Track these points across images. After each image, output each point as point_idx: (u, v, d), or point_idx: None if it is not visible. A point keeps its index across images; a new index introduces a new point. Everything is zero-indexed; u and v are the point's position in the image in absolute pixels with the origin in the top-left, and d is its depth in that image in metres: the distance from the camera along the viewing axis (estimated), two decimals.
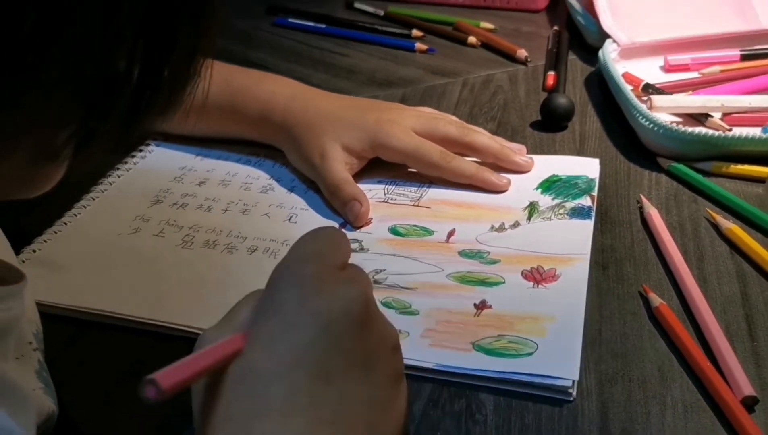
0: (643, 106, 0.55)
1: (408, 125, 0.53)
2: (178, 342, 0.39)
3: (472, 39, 0.76)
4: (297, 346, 0.28)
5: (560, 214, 0.49)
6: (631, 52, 0.66)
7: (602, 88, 0.65)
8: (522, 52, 0.72)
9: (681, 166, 0.53)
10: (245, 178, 0.56)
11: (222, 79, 0.57)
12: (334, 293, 0.29)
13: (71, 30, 0.22)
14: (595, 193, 0.51)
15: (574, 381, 0.36)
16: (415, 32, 0.79)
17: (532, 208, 0.50)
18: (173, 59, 0.27)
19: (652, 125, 0.54)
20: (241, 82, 0.58)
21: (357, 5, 0.88)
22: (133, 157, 0.58)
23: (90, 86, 0.25)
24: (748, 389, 0.35)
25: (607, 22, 0.68)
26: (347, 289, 0.30)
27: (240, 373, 0.28)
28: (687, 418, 0.35)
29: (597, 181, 0.52)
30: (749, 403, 0.35)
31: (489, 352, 0.38)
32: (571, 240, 0.46)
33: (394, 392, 0.31)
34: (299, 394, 0.27)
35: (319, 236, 0.32)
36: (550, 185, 0.52)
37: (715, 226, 0.47)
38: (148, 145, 0.60)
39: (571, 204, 0.50)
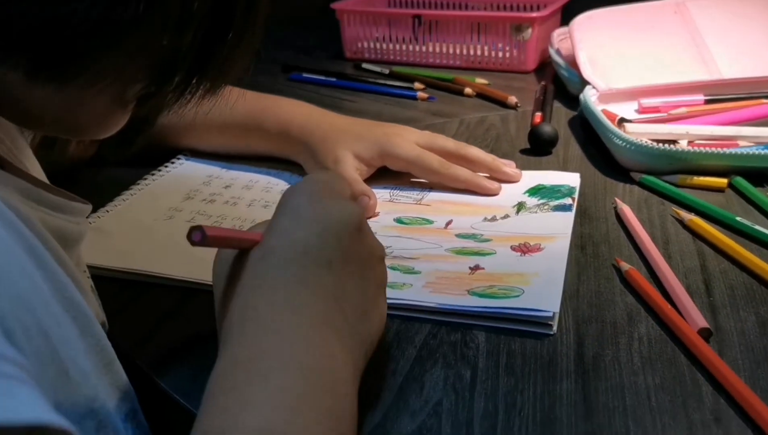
0: (618, 129, 0.63)
1: (411, 139, 0.61)
2: (202, 294, 0.46)
3: (468, 90, 0.86)
4: (306, 238, 0.35)
5: (545, 209, 0.56)
6: (609, 96, 0.75)
7: (583, 127, 0.73)
8: (512, 99, 0.81)
9: (651, 178, 0.60)
10: (266, 184, 0.63)
11: (247, 101, 0.65)
12: (338, 204, 0.37)
13: (159, 9, 0.30)
14: (575, 196, 0.58)
15: (554, 313, 0.42)
16: (417, 84, 0.88)
17: (520, 206, 0.57)
18: (225, 44, 0.35)
19: (625, 144, 0.61)
20: (263, 103, 0.66)
21: (365, 66, 0.98)
22: (166, 166, 0.66)
23: (160, 56, 0.33)
24: (702, 322, 0.41)
25: (587, 72, 0.77)
26: (347, 204, 0.37)
27: (260, 254, 0.34)
28: (651, 347, 0.41)
29: (577, 188, 0.59)
30: (705, 335, 0.40)
31: (481, 295, 0.44)
32: (554, 225, 0.53)
33: (378, 294, 0.38)
34: (306, 273, 0.34)
35: (329, 171, 0.40)
36: (536, 191, 0.59)
37: (680, 221, 0.54)
38: (178, 158, 0.67)
39: (554, 203, 0.57)
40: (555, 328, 0.42)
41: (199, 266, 0.49)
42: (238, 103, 0.65)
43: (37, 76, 0.30)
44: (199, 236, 0.31)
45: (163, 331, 0.45)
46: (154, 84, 0.34)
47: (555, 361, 0.40)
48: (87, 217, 0.42)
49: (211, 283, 0.45)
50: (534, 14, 0.91)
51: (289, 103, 0.66)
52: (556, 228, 0.52)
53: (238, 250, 0.36)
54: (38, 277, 0.31)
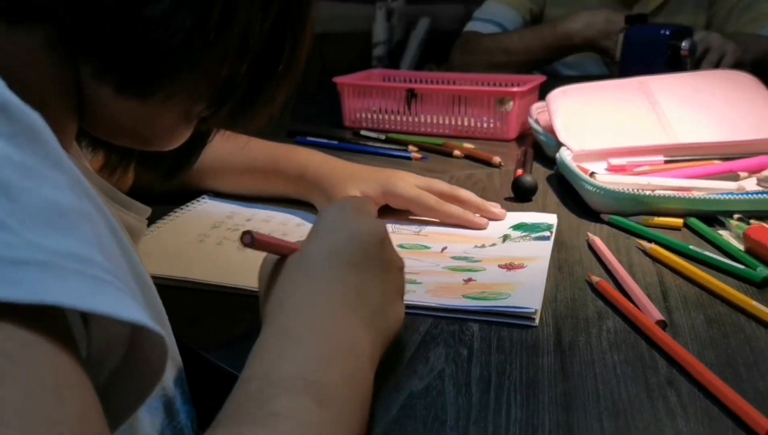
0: (590, 178, 0.73)
1: (411, 181, 0.70)
2: (235, 296, 0.53)
3: (457, 152, 0.96)
4: (336, 245, 0.42)
5: (527, 239, 0.65)
6: (581, 156, 0.85)
7: (559, 182, 0.83)
8: (497, 159, 0.91)
9: (618, 218, 0.69)
10: (283, 219, 0.71)
11: (267, 148, 0.74)
12: (365, 220, 0.45)
13: (224, 40, 0.39)
14: (553, 230, 0.67)
15: (536, 310, 0.50)
16: (411, 147, 0.98)
17: (505, 237, 0.66)
18: (275, 76, 0.44)
19: (596, 189, 0.71)
20: (281, 151, 0.75)
21: (363, 133, 1.09)
22: (192, 204, 0.74)
23: (221, 80, 0.42)
24: (658, 316, 0.49)
25: (562, 136, 0.87)
26: (373, 220, 0.46)
27: (297, 258, 0.42)
28: (617, 335, 0.49)
29: (555, 225, 0.68)
30: (661, 326, 0.49)
31: (474, 298, 0.52)
32: (535, 250, 0.62)
33: (396, 297, 0.45)
34: (335, 271, 0.41)
35: (357, 196, 0.48)
36: (519, 226, 0.68)
37: (642, 250, 0.63)
38: (203, 198, 0.76)
39: (535, 235, 0.66)
40: (537, 321, 0.50)
41: (228, 274, 0.57)
42: (259, 149, 0.75)
43: (125, 90, 0.39)
44: (249, 239, 0.39)
45: (200, 325, 0.52)
46: (214, 105, 0.43)
47: (537, 344, 0.48)
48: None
49: (237, 287, 0.53)
50: (515, 89, 1.03)
51: (304, 150, 0.75)
52: (537, 252, 0.61)
53: (279, 256, 0.44)
54: (117, 250, 0.38)
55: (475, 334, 0.49)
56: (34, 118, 0.28)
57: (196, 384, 0.46)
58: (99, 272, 0.27)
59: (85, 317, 0.31)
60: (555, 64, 1.74)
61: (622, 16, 1.28)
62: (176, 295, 0.56)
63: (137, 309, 0.29)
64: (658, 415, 0.40)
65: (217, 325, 0.52)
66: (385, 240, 0.45)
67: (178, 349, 0.46)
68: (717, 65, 1.34)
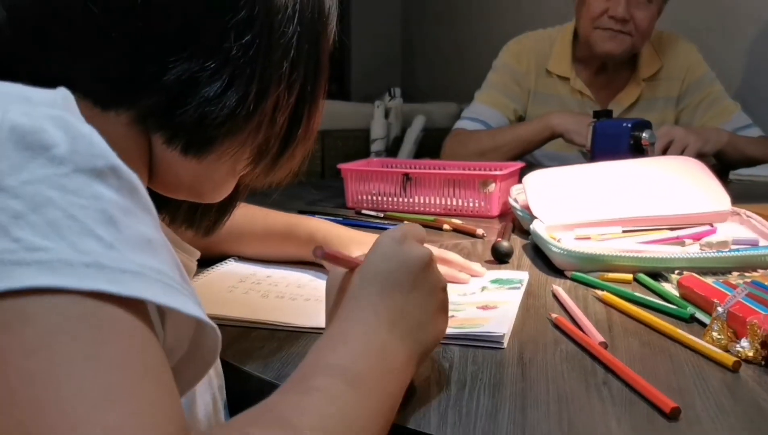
0: (556, 242, 0.86)
1: None
2: (261, 329, 0.66)
3: (446, 226, 1.10)
4: (388, 269, 0.51)
5: (502, 289, 0.78)
6: (552, 228, 0.99)
7: (533, 249, 0.97)
8: (480, 231, 1.05)
9: (579, 274, 0.83)
10: (297, 275, 0.85)
11: (282, 217, 0.88)
12: (413, 247, 0.54)
13: (260, 112, 0.53)
14: (524, 283, 0.80)
15: (504, 334, 0.63)
16: (406, 223, 1.12)
17: (483, 288, 0.79)
18: (295, 139, 0.58)
19: (561, 251, 0.84)
20: (294, 220, 0.89)
21: (363, 211, 1.23)
22: (220, 265, 0.88)
23: (259, 142, 0.55)
24: (600, 338, 0.62)
25: (536, 211, 1.02)
26: (420, 247, 0.55)
27: (359, 276, 0.52)
28: (568, 354, 0.61)
29: (526, 280, 0.82)
30: (603, 346, 0.61)
31: (454, 328, 0.65)
32: (508, 296, 0.75)
33: (438, 314, 0.53)
34: (384, 293, 0.51)
35: (408, 224, 0.60)
36: (495, 281, 0.81)
37: (597, 298, 0.76)
38: (230, 260, 0.89)
39: (508, 286, 0.79)
40: (505, 344, 0.63)
41: (255, 313, 0.70)
42: (275, 218, 0.89)
43: (188, 152, 0.51)
44: (320, 252, 0.51)
45: (235, 347, 0.65)
46: (254, 161, 0.57)
47: (504, 359, 0.60)
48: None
49: (263, 321, 0.65)
50: (497, 173, 1.18)
51: (314, 220, 0.89)
52: (509, 298, 0.74)
53: (346, 270, 0.54)
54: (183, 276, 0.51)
55: (455, 354, 0.61)
56: (134, 177, 0.40)
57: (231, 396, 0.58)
58: (173, 283, 0.38)
59: (162, 317, 0.43)
60: (538, 157, 1.91)
61: (591, 112, 1.46)
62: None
63: (198, 309, 0.39)
64: (592, 402, 0.52)
65: (248, 347, 0.64)
66: (430, 264, 0.53)
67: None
68: (681, 155, 1.51)
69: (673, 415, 0.49)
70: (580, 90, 1.97)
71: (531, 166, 1.26)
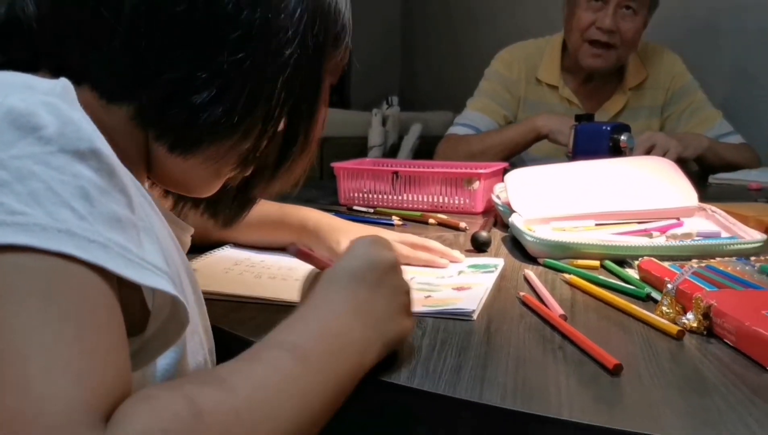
0: (531, 232, 0.93)
1: (390, 236, 0.90)
2: (253, 304, 0.72)
3: (431, 220, 1.16)
4: (355, 267, 0.57)
5: (477, 273, 0.84)
6: (530, 222, 1.05)
7: (512, 241, 1.03)
8: (462, 224, 1.12)
9: (550, 261, 0.89)
10: (289, 259, 0.91)
11: (275, 206, 0.95)
12: (380, 250, 0.60)
13: (245, 125, 0.59)
14: (499, 268, 0.86)
15: (473, 310, 0.69)
16: (395, 218, 1.19)
17: (460, 272, 0.85)
18: (291, 154, 0.64)
19: (533, 239, 0.91)
20: (287, 208, 0.95)
21: (355, 208, 1.29)
22: (216, 251, 0.94)
23: (245, 150, 0.62)
24: (560, 311, 0.68)
25: (515, 205, 1.08)
26: (386, 251, 0.60)
27: (329, 273, 0.57)
28: (531, 326, 0.67)
29: (501, 265, 0.88)
30: (563, 318, 0.67)
31: (429, 307, 0.71)
32: (482, 279, 0.81)
33: (400, 314, 0.57)
34: (351, 286, 0.55)
35: (378, 235, 0.65)
36: (472, 266, 0.88)
37: (566, 281, 0.82)
38: (226, 247, 0.96)
39: (483, 270, 0.85)
40: (474, 317, 0.69)
41: (249, 290, 0.76)
42: (269, 207, 0.95)
43: (174, 150, 0.57)
44: (293, 249, 0.58)
45: (230, 317, 0.71)
46: (239, 168, 0.63)
47: (473, 329, 0.66)
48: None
49: (256, 297, 0.71)
50: (480, 171, 1.25)
51: (305, 208, 0.96)
52: (483, 280, 0.80)
53: (318, 269, 0.60)
54: (176, 251, 0.57)
55: (428, 324, 0.68)
56: (114, 160, 0.44)
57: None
58: (134, 258, 0.42)
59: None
60: (525, 159, 1.98)
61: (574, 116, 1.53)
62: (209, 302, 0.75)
63: (159, 281, 0.42)
64: (546, 362, 0.58)
65: (241, 318, 0.71)
66: (396, 268, 0.58)
67: (214, 332, 0.65)
68: None
69: (615, 371, 0.55)
70: (568, 98, 2.04)
71: (515, 167, 1.32)
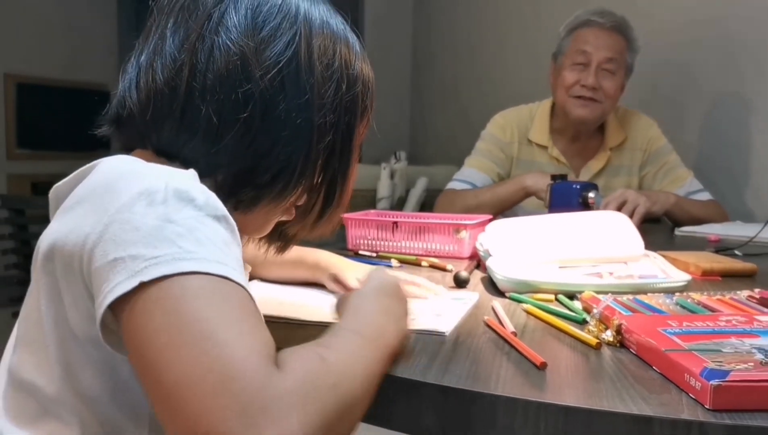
0: (501, 272, 1.15)
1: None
2: (283, 323, 0.95)
3: (423, 263, 1.39)
4: (376, 285, 0.78)
5: (456, 303, 1.06)
6: (505, 263, 1.27)
7: (488, 280, 1.25)
8: (449, 267, 1.33)
9: (514, 294, 1.10)
10: (306, 290, 1.13)
11: (296, 249, 1.17)
12: (390, 276, 0.82)
13: (293, 190, 0.83)
14: (474, 301, 1.08)
15: (447, 331, 0.90)
16: (394, 261, 1.41)
17: (442, 302, 1.07)
18: (332, 205, 0.87)
19: (502, 277, 1.13)
20: (303, 251, 1.18)
21: (360, 252, 1.52)
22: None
23: (293, 206, 0.85)
24: (512, 329, 0.90)
25: (493, 250, 1.30)
26: (393, 277, 0.83)
27: (359, 291, 0.79)
28: (490, 340, 0.89)
29: (476, 299, 1.09)
30: (513, 334, 0.89)
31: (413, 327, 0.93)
32: (458, 308, 1.03)
33: (405, 317, 0.76)
34: (377, 297, 0.76)
35: (386, 271, 0.89)
36: (453, 298, 1.10)
37: (525, 311, 1.04)
38: (254, 281, 1.18)
39: (460, 302, 1.07)
40: (447, 335, 0.91)
41: (278, 311, 0.98)
42: (291, 250, 1.18)
43: (237, 210, 0.81)
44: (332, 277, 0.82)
45: None
46: (287, 214, 0.86)
47: (444, 341, 0.88)
48: None
49: (284, 317, 0.93)
50: (468, 222, 1.47)
51: (319, 251, 1.18)
52: (459, 309, 1.02)
53: (347, 292, 0.83)
54: None
55: (412, 338, 0.89)
56: (233, 223, 0.64)
57: None
58: (246, 284, 0.64)
59: None
60: (520, 213, 2.21)
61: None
62: None
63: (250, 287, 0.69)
64: (494, 361, 0.79)
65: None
66: (400, 286, 0.79)
67: None
68: (632, 214, 1.80)
69: (542, 367, 0.77)
70: (557, 157, 2.27)
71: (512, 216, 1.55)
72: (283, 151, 0.76)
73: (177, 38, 0.75)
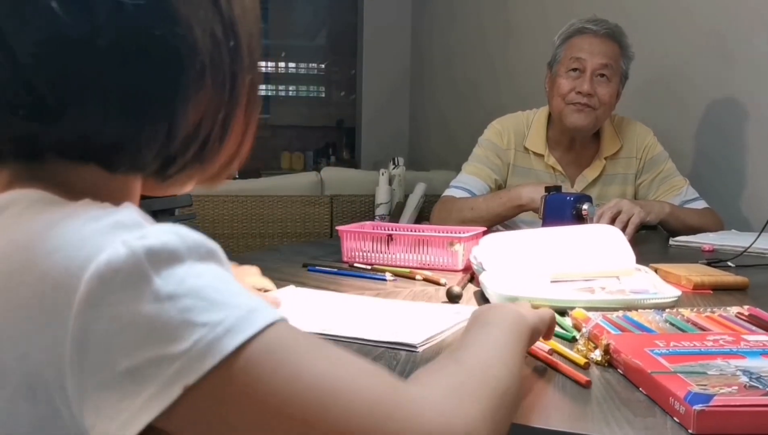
0: (492, 286, 1.15)
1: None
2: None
3: (418, 276, 1.39)
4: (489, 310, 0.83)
5: (448, 313, 1.07)
6: (498, 278, 1.28)
7: (481, 294, 1.25)
8: (443, 280, 1.34)
9: None
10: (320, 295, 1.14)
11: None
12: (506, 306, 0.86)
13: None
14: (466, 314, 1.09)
15: (417, 344, 0.91)
16: (388, 274, 1.42)
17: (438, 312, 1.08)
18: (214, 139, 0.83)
19: (493, 292, 1.13)
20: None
21: (356, 265, 1.53)
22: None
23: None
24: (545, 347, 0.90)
25: (486, 265, 1.31)
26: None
27: (478, 312, 0.82)
28: None
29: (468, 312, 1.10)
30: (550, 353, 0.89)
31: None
32: (446, 320, 1.04)
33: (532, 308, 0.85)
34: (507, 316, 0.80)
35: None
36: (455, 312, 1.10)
37: None
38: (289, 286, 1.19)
39: (460, 315, 1.08)
40: (420, 350, 0.91)
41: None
42: None
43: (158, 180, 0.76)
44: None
45: None
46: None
47: (417, 354, 0.88)
48: None
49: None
50: (462, 236, 1.48)
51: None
52: (447, 321, 1.03)
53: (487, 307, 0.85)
54: None
55: (386, 353, 0.90)
56: (215, 247, 0.50)
57: None
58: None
59: None
60: (517, 222, 2.21)
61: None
62: None
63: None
64: None
65: None
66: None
67: None
68: (626, 224, 1.81)
69: (587, 385, 0.77)
70: (553, 166, 2.28)
71: (507, 228, 1.56)
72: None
73: None
